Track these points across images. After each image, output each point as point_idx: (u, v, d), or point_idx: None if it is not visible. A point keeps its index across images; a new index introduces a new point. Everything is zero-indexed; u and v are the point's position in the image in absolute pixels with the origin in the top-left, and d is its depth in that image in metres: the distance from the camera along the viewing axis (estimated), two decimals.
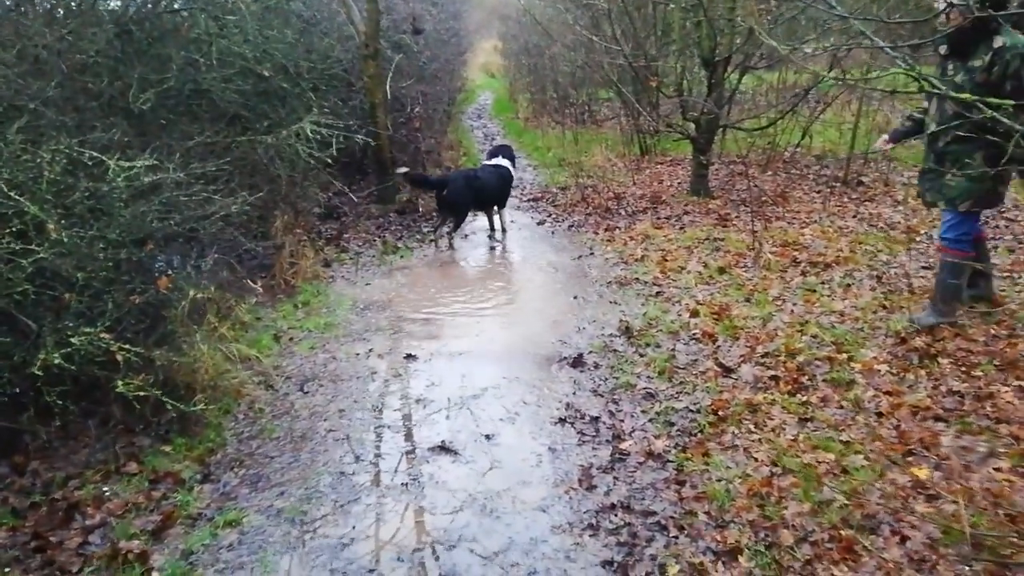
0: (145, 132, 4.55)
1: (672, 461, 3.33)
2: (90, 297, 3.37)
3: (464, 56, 15.76)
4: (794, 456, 3.23)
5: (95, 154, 3.52)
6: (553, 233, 7.47)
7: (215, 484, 3.34)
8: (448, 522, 3.04)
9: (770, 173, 8.93)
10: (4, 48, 4.02)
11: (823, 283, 5.24)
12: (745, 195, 7.64)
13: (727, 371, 4.10)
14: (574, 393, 4.06)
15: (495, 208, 7.43)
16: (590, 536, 2.89)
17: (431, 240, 7.27)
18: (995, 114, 2.26)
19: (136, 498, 3.18)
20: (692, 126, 8.16)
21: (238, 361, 4.21)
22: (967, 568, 2.49)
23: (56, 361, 3.04)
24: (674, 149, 10.93)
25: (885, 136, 4.70)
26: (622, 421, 3.73)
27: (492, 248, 7.17)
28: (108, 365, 3.26)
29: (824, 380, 3.88)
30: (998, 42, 3.62)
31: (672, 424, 3.65)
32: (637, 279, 5.76)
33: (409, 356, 4.63)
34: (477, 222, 7.82)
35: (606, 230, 7.26)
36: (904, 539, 2.66)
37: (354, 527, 3.03)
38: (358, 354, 4.70)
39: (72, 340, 3.11)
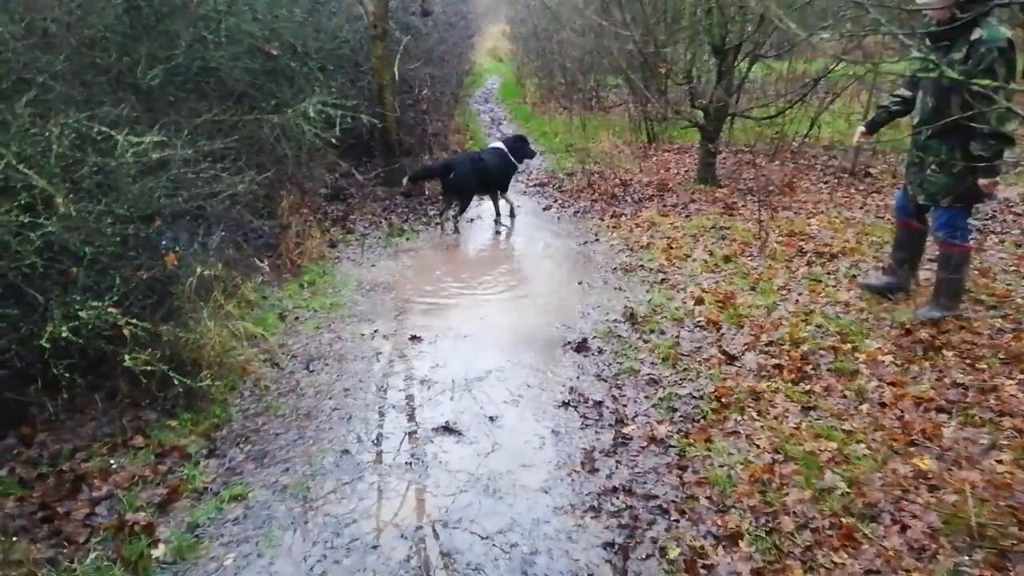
0: (153, 108, 4.55)
1: (674, 446, 3.35)
2: (98, 271, 3.39)
3: (472, 39, 15.68)
4: (796, 444, 3.24)
5: (104, 129, 3.53)
6: (559, 219, 7.46)
7: (221, 459, 3.37)
8: (450, 502, 3.07)
9: (778, 162, 8.89)
10: (13, 21, 4.01)
11: (829, 273, 5.24)
12: (752, 184, 7.61)
13: (731, 359, 4.11)
14: (578, 377, 4.08)
15: (499, 192, 7.39)
16: (592, 518, 2.92)
17: (437, 223, 7.26)
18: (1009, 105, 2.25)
19: (142, 471, 3.21)
20: (700, 114, 8.12)
21: (244, 339, 4.23)
22: (967, 558, 2.51)
23: (63, 334, 3.06)
24: (682, 137, 10.89)
25: (861, 128, 4.74)
26: (625, 406, 3.75)
27: (498, 232, 7.16)
28: (115, 339, 3.28)
29: (828, 369, 3.88)
30: (976, 34, 3.62)
31: (675, 410, 3.66)
32: (642, 266, 5.76)
33: (414, 337, 4.64)
34: (483, 206, 7.80)
35: (612, 216, 7.25)
36: (905, 528, 2.67)
37: (357, 505, 3.05)
38: (363, 334, 4.71)
39: (79, 314, 3.13)
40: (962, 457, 3.04)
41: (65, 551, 2.74)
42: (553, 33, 13.73)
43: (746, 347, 4.22)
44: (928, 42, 3.92)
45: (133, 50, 4.51)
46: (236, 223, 5.22)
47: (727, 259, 5.69)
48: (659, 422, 3.55)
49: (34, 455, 3.25)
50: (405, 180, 7.51)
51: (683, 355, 4.21)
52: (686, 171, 8.95)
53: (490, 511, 3.00)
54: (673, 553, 2.69)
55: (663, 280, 5.42)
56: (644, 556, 2.69)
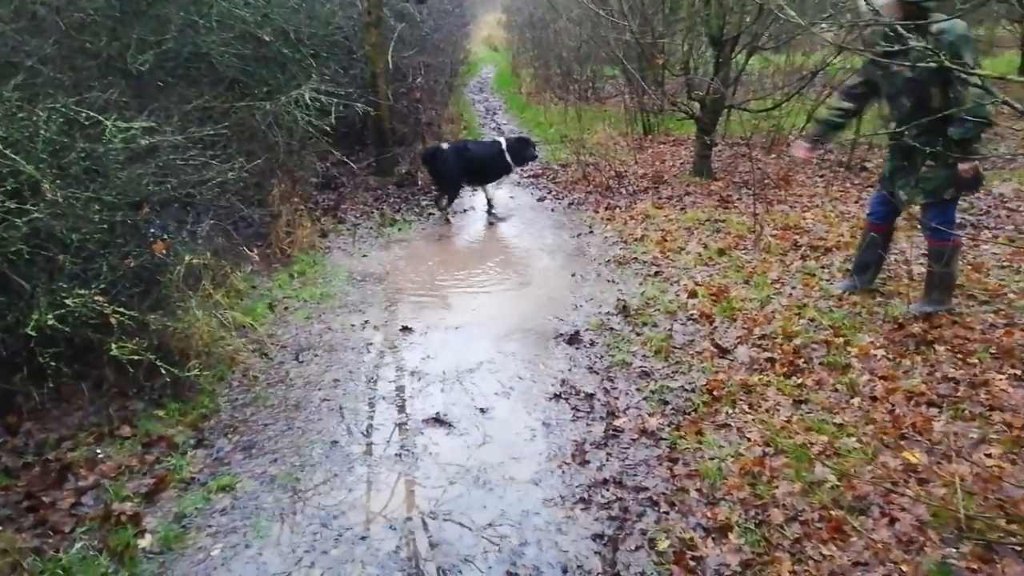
0: (143, 94, 4.50)
1: (665, 439, 3.34)
2: (84, 259, 3.35)
3: (467, 28, 15.60)
4: (787, 437, 3.24)
5: (92, 114, 3.48)
6: (553, 210, 7.43)
7: (208, 449, 3.35)
8: (440, 493, 3.05)
9: (774, 156, 8.87)
10: (1, 4, 3.95)
11: (823, 267, 5.23)
12: (748, 177, 7.59)
13: (723, 352, 4.10)
14: (569, 370, 4.06)
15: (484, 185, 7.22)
16: (581, 510, 2.91)
17: (430, 213, 7.23)
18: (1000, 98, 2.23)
19: (129, 461, 3.18)
20: (697, 105, 8.09)
21: (233, 328, 4.20)
22: (954, 550, 2.51)
23: (49, 322, 3.03)
24: (678, 129, 10.85)
25: (803, 144, 4.75)
26: (617, 398, 3.74)
27: (490, 224, 7.11)
28: (102, 328, 3.25)
29: (820, 363, 3.88)
30: (935, 28, 3.64)
31: (667, 402, 3.65)
32: (636, 259, 5.74)
33: (405, 328, 4.62)
34: (479, 197, 7.76)
35: (606, 209, 7.22)
36: (893, 520, 2.67)
37: (346, 496, 3.04)
38: (353, 325, 4.69)
39: (66, 302, 3.10)
40: (952, 451, 3.04)
41: (51, 541, 2.72)
42: (549, 22, 13.65)
43: (739, 340, 4.22)
44: (886, 41, 3.94)
45: (123, 34, 4.46)
46: (226, 211, 5.17)
47: (721, 252, 5.68)
48: (650, 415, 3.55)
49: (20, 444, 3.23)
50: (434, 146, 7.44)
51: (675, 348, 4.20)
52: (682, 163, 8.92)
53: (480, 503, 2.99)
54: (662, 545, 2.68)
55: (657, 273, 5.41)
56: (633, 548, 2.69)
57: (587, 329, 4.53)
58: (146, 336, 3.47)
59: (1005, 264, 5.03)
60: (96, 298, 3.17)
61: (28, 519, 2.81)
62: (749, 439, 3.26)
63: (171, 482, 3.09)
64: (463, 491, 3.06)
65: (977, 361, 3.74)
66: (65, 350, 3.23)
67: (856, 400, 3.51)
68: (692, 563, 2.58)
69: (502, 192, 8.02)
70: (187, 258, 3.91)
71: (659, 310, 4.71)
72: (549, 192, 8.09)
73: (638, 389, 3.81)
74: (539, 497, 3.01)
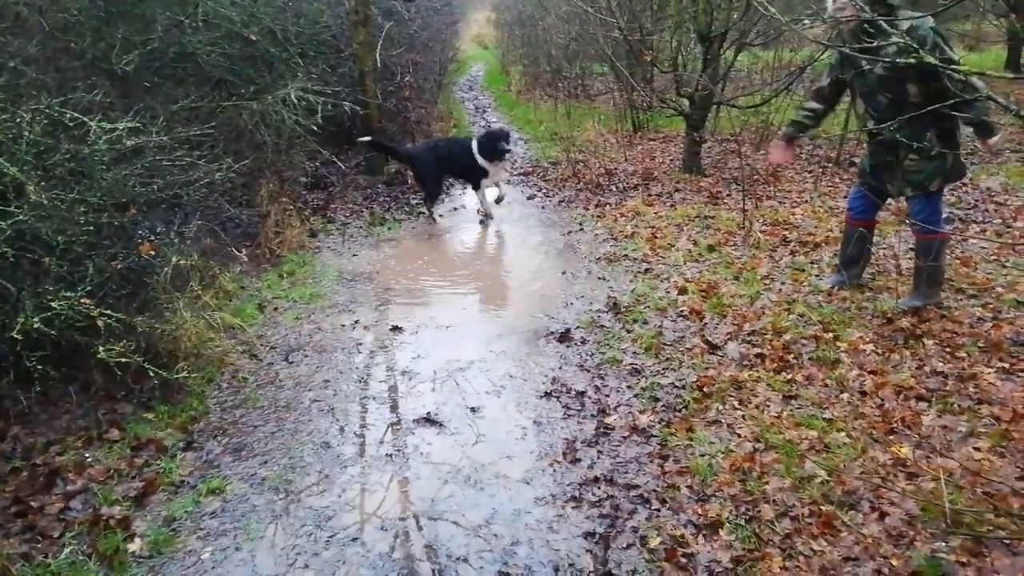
0: (128, 94, 4.47)
1: (656, 436, 3.35)
2: (71, 261, 3.33)
3: (456, 26, 15.55)
4: (777, 433, 3.25)
5: (76, 115, 3.45)
6: (543, 208, 7.42)
7: (198, 452, 3.33)
8: (432, 493, 3.05)
9: (763, 152, 8.89)
10: None
11: (812, 263, 5.25)
12: (737, 173, 7.61)
13: (713, 348, 4.11)
14: (560, 367, 4.06)
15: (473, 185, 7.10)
16: (573, 508, 2.91)
17: (419, 212, 7.21)
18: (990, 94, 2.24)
19: (118, 464, 3.16)
20: (686, 102, 8.10)
21: (222, 330, 4.18)
22: (944, 544, 2.52)
23: (36, 325, 3.00)
24: (667, 125, 10.87)
25: (778, 144, 4.79)
26: (607, 396, 3.74)
27: (481, 222, 7.07)
28: (89, 331, 3.23)
29: (809, 359, 3.89)
30: (905, 24, 3.66)
31: (657, 399, 3.66)
32: (626, 255, 5.75)
33: (395, 328, 4.61)
34: (468, 196, 7.75)
35: (596, 206, 7.22)
36: (883, 515, 2.68)
37: (337, 497, 3.03)
38: (344, 325, 4.67)
39: (52, 304, 3.07)
40: (941, 445, 3.06)
41: (39, 546, 2.70)
42: (538, 19, 13.63)
43: (729, 337, 4.23)
44: (855, 40, 3.97)
45: (108, 35, 4.42)
46: (213, 212, 5.14)
47: (711, 248, 5.69)
48: (641, 412, 3.55)
49: (7, 449, 3.20)
50: (361, 139, 7.38)
51: (666, 345, 4.21)
52: (671, 160, 8.93)
53: (472, 502, 2.98)
54: (654, 542, 2.68)
55: (647, 270, 5.41)
56: (625, 545, 2.69)
57: (578, 327, 4.53)
58: (134, 338, 3.44)
59: (992, 258, 5.07)
60: (83, 300, 3.14)
61: (16, 524, 2.79)
62: (739, 435, 3.27)
63: (160, 485, 3.07)
64: (455, 491, 3.06)
65: (965, 355, 3.77)
66: (52, 353, 3.21)
67: (845, 395, 3.52)
68: (683, 560, 2.59)
69: (492, 190, 8.01)
70: (174, 259, 3.88)
71: (649, 307, 4.72)
72: (539, 190, 8.09)
73: (629, 386, 3.81)
74: (530, 496, 3.01)
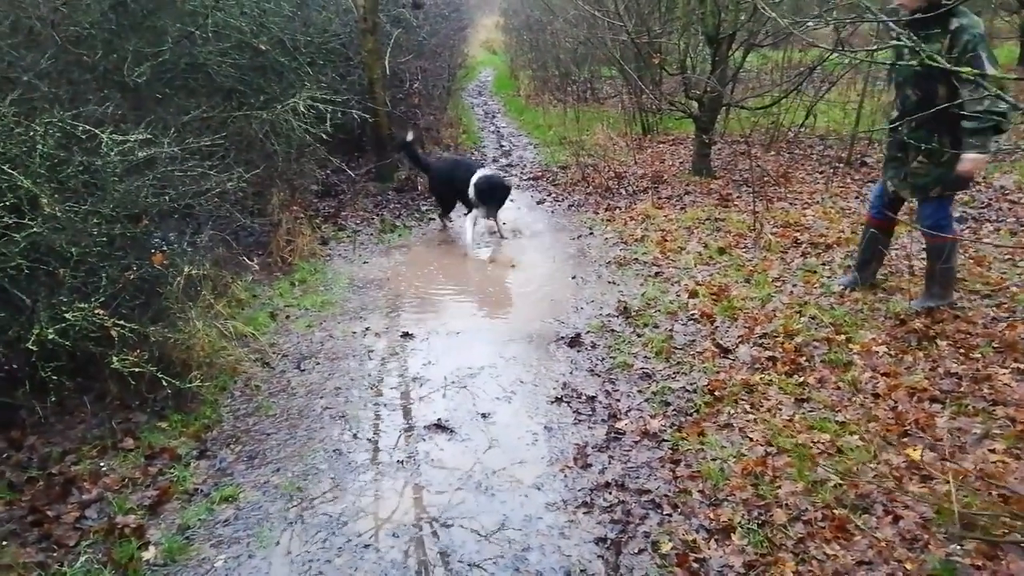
0: (140, 106, 4.51)
1: (667, 440, 3.34)
2: (84, 272, 3.36)
3: (465, 32, 15.59)
4: (789, 436, 3.23)
5: (89, 127, 3.49)
6: (553, 213, 7.43)
7: (211, 460, 3.35)
8: (445, 500, 3.05)
9: (773, 153, 8.86)
10: None
11: (824, 264, 5.22)
12: (747, 175, 7.58)
13: (725, 351, 4.09)
14: (571, 373, 4.06)
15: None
16: (584, 514, 2.91)
17: (430, 218, 7.23)
18: (996, 91, 2.22)
19: (133, 473, 3.19)
20: (695, 104, 8.08)
21: (234, 338, 4.21)
22: (958, 547, 2.50)
23: (50, 336, 3.04)
24: (676, 128, 10.85)
25: None
26: (618, 401, 3.73)
27: (492, 232, 6.88)
28: (103, 341, 3.26)
29: (822, 361, 3.87)
30: (954, 24, 3.62)
31: (668, 404, 3.65)
32: (636, 259, 5.74)
33: (406, 335, 4.62)
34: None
35: (606, 210, 7.22)
36: (897, 519, 2.66)
37: (349, 504, 3.04)
38: (355, 332, 4.69)
39: (66, 315, 3.10)
40: (955, 447, 3.03)
41: (55, 555, 2.73)
42: (546, 24, 13.66)
43: (740, 340, 4.21)
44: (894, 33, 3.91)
45: (119, 47, 4.47)
46: (225, 221, 5.18)
47: (722, 251, 5.67)
48: (652, 416, 3.54)
49: (23, 458, 3.24)
50: (407, 137, 7.15)
51: (677, 349, 4.20)
52: (681, 163, 8.91)
53: (484, 508, 2.99)
54: (665, 547, 2.68)
55: (657, 273, 5.40)
56: (636, 551, 2.69)
57: (588, 331, 4.53)
58: (147, 348, 3.47)
59: (1007, 258, 5.02)
60: (96, 311, 3.17)
61: (33, 533, 2.82)
62: (751, 439, 3.25)
63: (174, 494, 3.09)
64: (467, 497, 3.06)
65: (980, 356, 3.73)
66: (67, 364, 3.24)
67: (858, 398, 3.50)
68: (695, 565, 2.58)
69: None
70: (187, 269, 3.92)
71: (660, 311, 4.71)
72: (549, 194, 8.09)
73: (640, 391, 3.80)
74: (542, 501, 3.00)
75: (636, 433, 3.41)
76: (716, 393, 3.66)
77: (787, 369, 3.81)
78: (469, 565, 2.68)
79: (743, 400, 3.58)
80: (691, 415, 3.52)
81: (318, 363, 4.28)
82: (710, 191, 7.54)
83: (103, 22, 4.43)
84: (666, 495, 2.97)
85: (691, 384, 3.79)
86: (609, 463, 3.22)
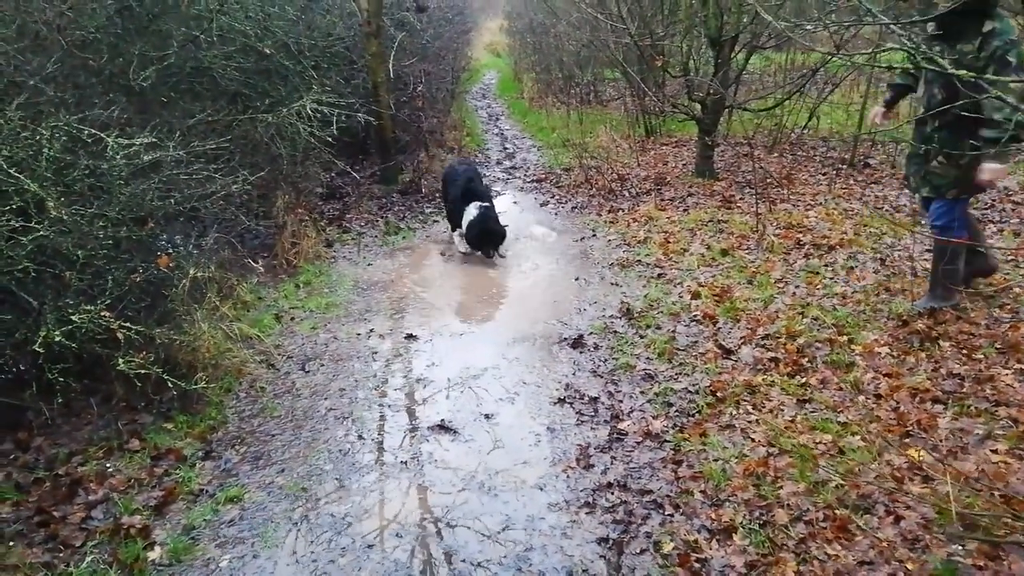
0: (145, 110, 4.54)
1: (669, 441, 3.35)
2: (90, 275, 3.39)
3: (468, 35, 15.64)
4: (791, 437, 3.24)
5: (95, 131, 3.52)
6: (556, 215, 7.44)
7: (216, 461, 3.37)
8: (449, 500, 3.07)
9: (776, 155, 8.86)
10: (4, 24, 4.00)
11: (826, 265, 5.22)
12: (750, 177, 7.58)
13: (727, 353, 4.10)
14: (574, 374, 4.07)
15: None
16: (586, 514, 2.92)
17: (434, 220, 7.26)
18: (998, 93, 2.23)
19: (138, 474, 3.22)
20: (698, 107, 8.09)
21: (239, 340, 4.23)
22: (960, 548, 2.50)
23: (57, 338, 3.06)
24: (679, 130, 10.86)
25: (878, 109, 4.53)
26: (621, 402, 3.74)
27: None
28: (109, 343, 3.29)
29: (824, 362, 3.87)
30: (988, 26, 3.59)
31: (670, 405, 3.66)
32: (639, 261, 5.75)
33: (410, 336, 4.65)
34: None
35: (609, 212, 7.23)
36: (898, 519, 2.67)
37: (352, 504, 3.06)
38: (359, 334, 4.71)
39: (73, 318, 3.13)
40: (956, 448, 3.04)
41: (61, 555, 2.76)
42: (550, 27, 13.68)
43: (742, 341, 4.22)
44: (929, 28, 3.89)
45: (125, 51, 4.50)
46: (230, 224, 5.21)
47: (724, 253, 5.68)
48: (654, 417, 3.55)
49: (30, 460, 3.26)
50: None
51: (679, 350, 4.21)
52: (684, 164, 8.92)
53: (487, 508, 3.00)
54: (667, 547, 2.69)
55: (660, 275, 5.41)
56: (638, 551, 2.70)
57: (591, 333, 4.54)
58: (153, 350, 3.50)
59: (1010, 259, 5.01)
60: (103, 313, 3.20)
61: (39, 534, 2.85)
62: (753, 440, 3.26)
63: (180, 494, 3.12)
64: (471, 497, 3.08)
65: (982, 356, 3.73)
66: (73, 365, 3.27)
67: (860, 398, 3.50)
68: (697, 565, 2.59)
69: (505, 198, 8.05)
70: (192, 271, 3.94)
71: (662, 312, 4.72)
72: (552, 197, 8.10)
73: (642, 392, 3.82)
74: (544, 502, 3.02)
75: (638, 434, 3.42)
76: (718, 394, 3.67)
77: (789, 370, 3.82)
78: (473, 565, 2.69)
79: (745, 401, 3.59)
80: (693, 416, 3.54)
81: (323, 365, 4.30)
82: (713, 193, 7.54)
83: (109, 26, 4.46)
84: (668, 495, 2.98)
85: (693, 385, 3.80)
86: (611, 464, 3.23)
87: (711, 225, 6.42)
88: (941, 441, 3.09)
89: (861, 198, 6.91)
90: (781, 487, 2.91)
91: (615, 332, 4.53)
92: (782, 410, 3.48)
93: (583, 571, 2.63)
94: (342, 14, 7.91)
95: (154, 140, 3.72)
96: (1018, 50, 3.59)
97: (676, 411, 3.60)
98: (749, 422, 3.41)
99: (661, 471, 3.15)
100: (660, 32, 9.59)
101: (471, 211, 5.96)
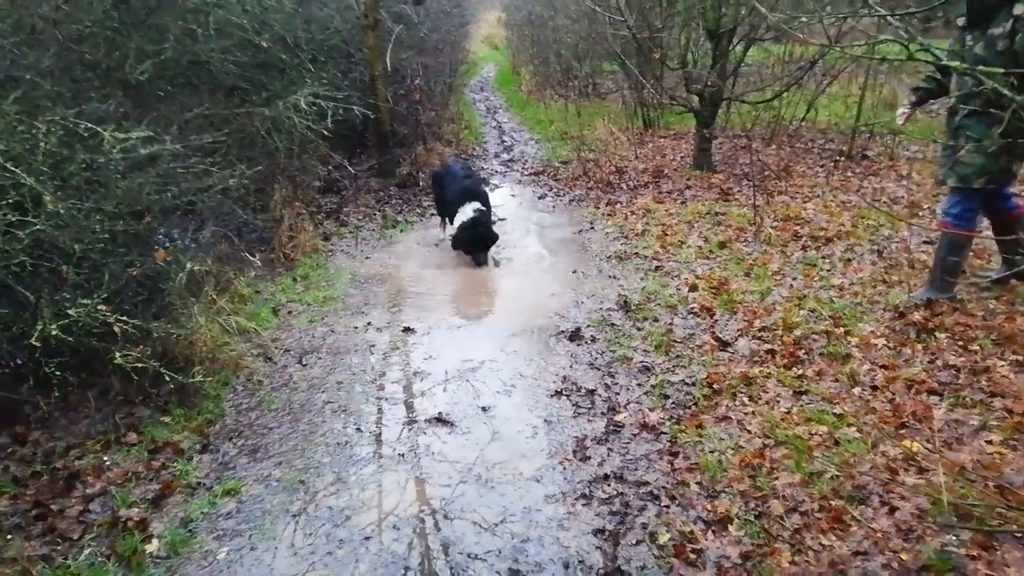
0: (142, 104, 4.53)
1: (666, 433, 3.36)
2: (87, 269, 3.39)
3: (466, 27, 15.57)
4: (787, 428, 3.25)
5: (91, 125, 3.52)
6: (554, 207, 7.44)
7: (214, 454, 3.38)
8: (446, 492, 3.08)
9: (774, 147, 8.85)
10: (1, 18, 3.99)
11: (824, 258, 5.22)
12: (748, 169, 7.58)
13: (724, 345, 4.11)
14: (571, 366, 4.08)
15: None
16: (583, 505, 2.93)
17: (432, 214, 7.26)
18: (995, 85, 2.23)
19: (136, 467, 3.22)
20: (696, 99, 8.08)
21: (236, 333, 4.24)
22: (954, 538, 2.52)
23: (54, 332, 3.07)
24: (677, 123, 10.84)
25: (904, 109, 4.49)
26: (618, 394, 3.75)
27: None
28: (106, 337, 3.29)
29: (820, 354, 3.88)
30: (1019, 9, 3.59)
31: (667, 397, 3.67)
32: (637, 253, 5.75)
33: (407, 329, 4.65)
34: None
35: (607, 204, 7.23)
36: (893, 510, 2.68)
37: (350, 497, 3.07)
38: (356, 327, 4.72)
39: (70, 312, 3.13)
40: (951, 439, 3.05)
41: (59, 548, 2.77)
42: (548, 20, 13.65)
43: (739, 333, 4.22)
44: (960, 22, 3.89)
45: (122, 45, 4.49)
46: (228, 218, 5.22)
47: (722, 245, 5.68)
48: (651, 409, 3.56)
49: (28, 453, 3.27)
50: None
51: (676, 342, 4.21)
52: (682, 157, 8.91)
53: (483, 501, 3.01)
54: (663, 538, 2.70)
55: (657, 267, 5.42)
56: (634, 542, 2.71)
57: (588, 325, 4.55)
58: (150, 343, 3.51)
59: None
60: (100, 307, 3.20)
61: (37, 527, 2.86)
62: (749, 431, 3.27)
63: (177, 487, 3.13)
64: (467, 489, 3.09)
65: (978, 348, 3.74)
66: (70, 359, 3.27)
67: (856, 390, 3.51)
68: (692, 556, 2.60)
69: (503, 191, 8.06)
70: (189, 265, 3.95)
71: (660, 304, 4.73)
72: (550, 189, 8.11)
73: (639, 384, 3.82)
74: (541, 494, 3.03)
75: (635, 426, 3.43)
76: (715, 386, 3.68)
77: (786, 362, 3.83)
78: (470, 556, 2.70)
79: (742, 393, 3.60)
80: (690, 408, 3.55)
81: (320, 358, 4.31)
82: (711, 185, 7.54)
83: (105, 20, 4.45)
84: (664, 487, 2.99)
85: (690, 377, 3.81)
86: (608, 455, 3.24)
87: (709, 217, 6.42)
88: (936, 432, 3.10)
89: (859, 190, 6.91)
90: (777, 478, 2.92)
91: (612, 324, 4.53)
92: (778, 402, 3.49)
93: (579, 562, 2.64)
94: (339, 7, 7.89)
95: (151, 134, 3.71)
96: None
97: (673, 403, 3.61)
98: (745, 414, 3.42)
99: (657, 463, 3.16)
100: (658, 24, 9.55)
101: (467, 211, 5.79)
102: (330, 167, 7.54)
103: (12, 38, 3.93)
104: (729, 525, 2.71)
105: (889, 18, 2.98)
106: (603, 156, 8.81)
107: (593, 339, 4.37)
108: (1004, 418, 3.15)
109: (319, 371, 4.16)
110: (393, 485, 3.15)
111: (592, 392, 3.78)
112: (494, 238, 5.86)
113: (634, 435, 3.37)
